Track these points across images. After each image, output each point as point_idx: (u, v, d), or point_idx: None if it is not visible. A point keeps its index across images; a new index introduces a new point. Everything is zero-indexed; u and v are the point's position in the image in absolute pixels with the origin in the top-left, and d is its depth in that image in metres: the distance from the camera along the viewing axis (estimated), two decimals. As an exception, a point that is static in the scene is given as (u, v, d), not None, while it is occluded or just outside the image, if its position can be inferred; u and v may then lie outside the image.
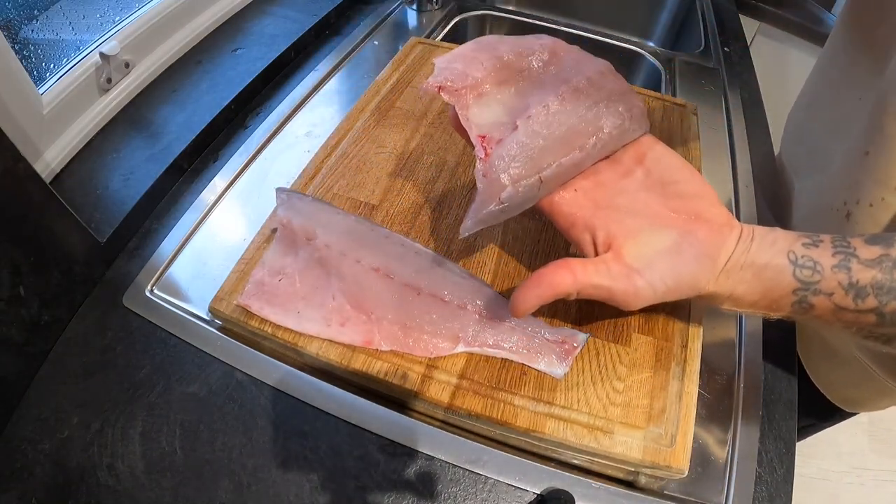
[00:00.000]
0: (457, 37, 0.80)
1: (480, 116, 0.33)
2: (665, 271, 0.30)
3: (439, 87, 0.33)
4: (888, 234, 0.28)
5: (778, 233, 0.30)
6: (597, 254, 0.32)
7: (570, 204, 0.33)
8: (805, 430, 0.63)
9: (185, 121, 0.55)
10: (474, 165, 0.32)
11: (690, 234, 0.30)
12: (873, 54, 0.41)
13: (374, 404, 0.37)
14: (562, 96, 0.32)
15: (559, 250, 0.43)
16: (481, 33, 0.85)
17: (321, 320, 0.37)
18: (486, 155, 0.31)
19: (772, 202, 0.56)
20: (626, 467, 0.35)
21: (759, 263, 0.29)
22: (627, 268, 0.30)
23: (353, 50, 0.68)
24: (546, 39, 0.35)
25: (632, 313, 0.39)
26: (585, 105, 0.32)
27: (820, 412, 0.56)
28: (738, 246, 0.30)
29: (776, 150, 0.62)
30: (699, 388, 0.37)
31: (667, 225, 0.31)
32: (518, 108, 0.33)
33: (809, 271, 0.28)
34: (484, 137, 0.32)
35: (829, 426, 0.59)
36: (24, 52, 0.48)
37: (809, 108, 0.52)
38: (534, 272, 0.31)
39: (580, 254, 0.33)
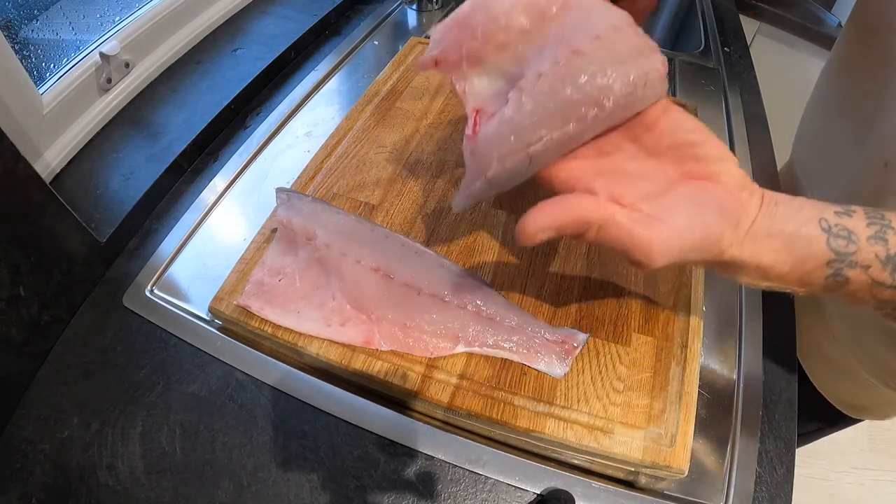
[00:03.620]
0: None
1: (479, 87, 0.31)
2: (690, 218, 0.27)
3: (435, 61, 0.31)
4: None
5: (803, 200, 0.27)
6: None
7: (569, 171, 0.30)
8: (813, 434, 0.62)
9: (185, 121, 0.55)
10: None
11: (709, 191, 0.27)
12: (890, 63, 0.40)
13: (374, 404, 0.37)
14: (559, 60, 0.28)
15: (559, 250, 0.43)
16: (481, 33, 0.85)
17: (321, 320, 0.37)
18: (475, 132, 0.30)
19: None
20: (627, 467, 0.35)
21: (787, 231, 0.26)
22: (647, 216, 0.27)
23: (353, 50, 0.68)
24: None
25: (631, 312, 0.39)
26: (588, 70, 0.28)
27: (828, 417, 0.56)
28: (762, 210, 0.27)
29: (777, 152, 0.62)
30: (699, 388, 0.37)
31: (681, 186, 0.28)
32: (515, 76, 0.30)
33: (844, 241, 0.25)
34: (478, 111, 0.31)
35: (837, 430, 0.59)
36: (24, 52, 0.48)
37: (823, 116, 0.51)
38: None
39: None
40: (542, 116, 0.28)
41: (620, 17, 0.29)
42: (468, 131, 0.30)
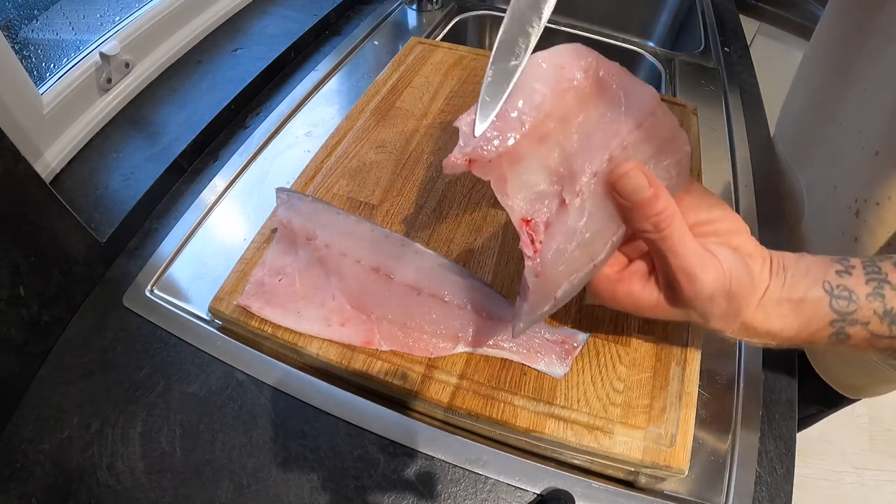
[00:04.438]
0: (457, 37, 0.80)
1: (520, 188, 0.27)
2: (731, 262, 0.27)
3: (469, 160, 0.26)
4: None
5: (808, 261, 0.29)
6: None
7: (611, 266, 0.30)
8: (813, 418, 0.63)
9: (185, 121, 0.55)
10: (522, 260, 0.27)
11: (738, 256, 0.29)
12: (872, 45, 0.41)
13: (374, 404, 0.37)
14: (611, 158, 0.27)
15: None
16: (481, 33, 0.85)
17: (321, 320, 0.37)
18: (536, 252, 0.27)
19: (778, 197, 0.56)
20: (626, 467, 0.35)
21: (795, 297, 0.28)
22: (702, 247, 0.28)
23: (353, 50, 0.68)
24: (587, 59, 0.28)
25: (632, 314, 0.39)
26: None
27: (825, 399, 0.56)
28: (773, 279, 0.28)
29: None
30: (699, 388, 0.37)
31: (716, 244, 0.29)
32: (562, 173, 0.27)
33: (846, 301, 0.27)
34: (528, 222, 0.27)
35: (835, 411, 0.59)
36: (24, 52, 0.48)
37: (808, 100, 0.52)
38: None
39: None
40: (603, 222, 0.27)
41: (652, 97, 0.28)
42: (527, 251, 0.27)
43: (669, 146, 0.28)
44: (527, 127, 0.26)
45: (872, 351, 0.28)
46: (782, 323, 0.28)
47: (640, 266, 0.30)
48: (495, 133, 0.26)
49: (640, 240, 0.29)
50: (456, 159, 0.26)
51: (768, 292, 0.28)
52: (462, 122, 0.27)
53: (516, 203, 0.27)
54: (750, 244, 0.29)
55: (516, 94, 0.27)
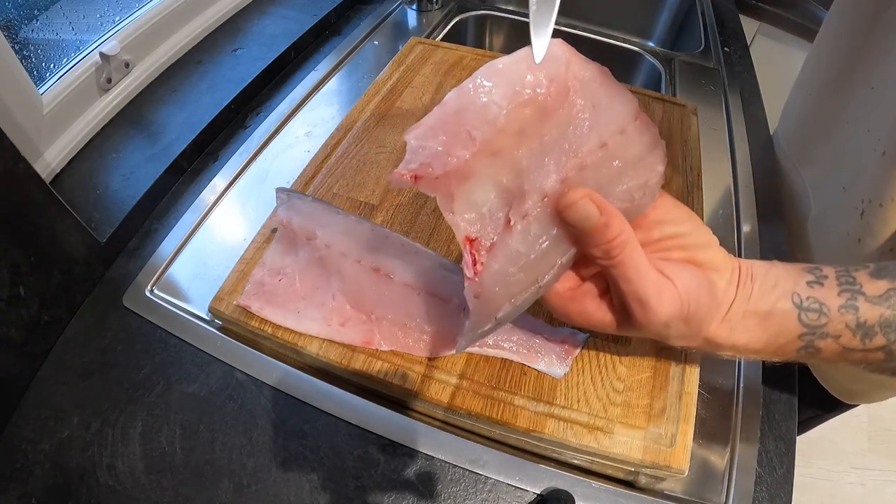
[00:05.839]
0: (457, 37, 0.80)
1: (467, 207, 0.26)
2: (690, 286, 0.26)
3: (414, 177, 0.25)
4: (893, 263, 0.27)
5: (778, 270, 0.28)
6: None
7: (566, 280, 0.29)
8: (810, 422, 0.63)
9: (185, 121, 0.55)
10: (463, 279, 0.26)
11: (701, 274, 0.28)
12: (881, 44, 0.40)
13: (374, 404, 0.37)
14: (564, 180, 0.25)
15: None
16: (481, 33, 0.85)
17: (321, 320, 0.37)
18: (476, 273, 0.26)
19: (779, 197, 0.55)
20: (626, 467, 0.35)
21: (762, 311, 0.27)
22: (658, 273, 0.27)
23: (353, 50, 0.68)
24: (557, 63, 0.25)
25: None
26: (592, 186, 0.25)
27: (823, 404, 0.56)
28: (739, 292, 0.28)
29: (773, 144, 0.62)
30: (699, 388, 0.37)
31: (677, 262, 0.28)
32: (513, 192, 0.26)
33: (816, 314, 0.26)
34: (472, 241, 0.26)
35: (833, 416, 0.59)
36: (24, 52, 0.48)
37: (813, 99, 0.52)
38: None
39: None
40: (550, 245, 0.26)
41: (628, 111, 0.26)
42: (467, 272, 0.26)
43: (637, 167, 0.26)
44: (478, 143, 0.25)
45: (845, 363, 0.28)
46: (748, 337, 0.28)
47: (591, 287, 0.29)
48: (446, 151, 0.25)
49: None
50: (402, 175, 0.25)
51: (734, 306, 0.27)
52: (410, 136, 0.26)
53: (461, 221, 0.26)
54: (718, 257, 0.28)
55: (469, 106, 0.25)
